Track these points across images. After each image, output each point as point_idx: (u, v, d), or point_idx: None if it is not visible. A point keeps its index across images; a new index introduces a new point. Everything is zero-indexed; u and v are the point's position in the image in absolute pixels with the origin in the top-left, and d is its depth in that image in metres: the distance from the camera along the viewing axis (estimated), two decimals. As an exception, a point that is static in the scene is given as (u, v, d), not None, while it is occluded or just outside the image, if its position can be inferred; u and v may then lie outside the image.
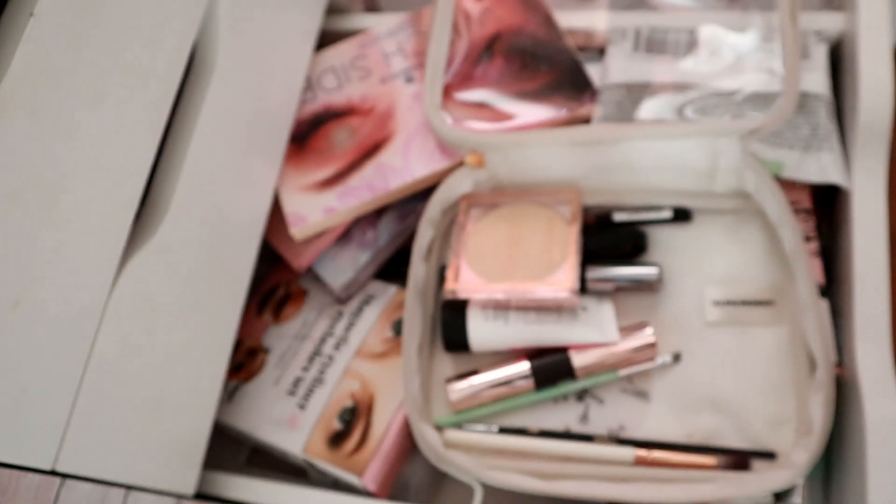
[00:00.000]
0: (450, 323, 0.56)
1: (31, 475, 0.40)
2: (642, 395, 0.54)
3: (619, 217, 0.59)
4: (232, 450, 0.66)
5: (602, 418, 0.54)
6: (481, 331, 0.56)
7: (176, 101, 0.49)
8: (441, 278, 0.58)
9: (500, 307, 0.56)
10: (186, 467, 0.50)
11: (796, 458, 0.48)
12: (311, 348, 0.63)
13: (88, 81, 0.42)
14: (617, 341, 0.54)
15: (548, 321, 0.55)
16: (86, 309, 0.42)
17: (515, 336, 0.55)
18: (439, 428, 0.55)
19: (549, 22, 0.65)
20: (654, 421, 0.53)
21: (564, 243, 0.56)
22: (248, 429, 0.60)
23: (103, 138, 0.43)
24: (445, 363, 0.58)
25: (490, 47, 0.65)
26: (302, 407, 0.59)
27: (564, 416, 0.55)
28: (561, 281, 0.54)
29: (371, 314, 0.63)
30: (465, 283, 0.56)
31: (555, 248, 0.56)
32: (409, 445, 0.58)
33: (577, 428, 0.54)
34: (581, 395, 0.55)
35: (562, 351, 0.54)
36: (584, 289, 0.56)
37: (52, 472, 0.41)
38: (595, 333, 0.54)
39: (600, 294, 0.57)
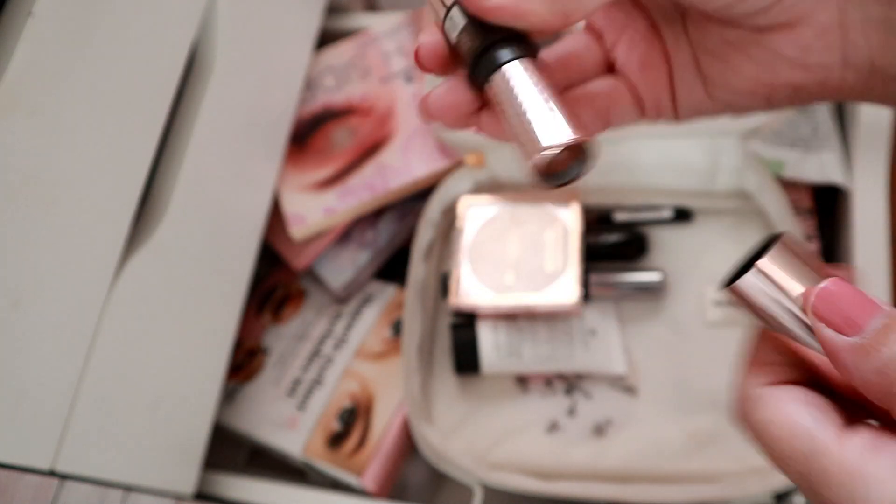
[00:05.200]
0: (461, 351, 0.56)
1: (29, 475, 0.40)
2: (630, 390, 0.55)
3: (619, 217, 0.59)
4: (232, 450, 0.65)
5: (589, 412, 0.55)
6: (494, 363, 0.56)
7: (175, 100, 0.49)
8: (444, 287, 0.57)
9: (512, 331, 0.56)
10: (186, 467, 0.50)
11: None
12: (310, 349, 0.63)
13: (87, 81, 0.42)
14: (624, 373, 0.55)
15: (560, 352, 0.55)
16: (85, 309, 0.42)
17: (528, 366, 0.55)
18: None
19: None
20: (642, 415, 0.54)
21: (566, 248, 0.56)
22: (247, 430, 0.59)
23: (102, 138, 0.43)
24: (446, 365, 0.58)
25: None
26: (301, 408, 0.59)
27: (552, 409, 0.55)
28: (564, 291, 0.54)
29: (370, 314, 0.63)
30: (469, 295, 0.56)
31: (557, 253, 0.56)
32: (408, 445, 0.58)
33: (564, 421, 0.55)
34: (569, 389, 0.56)
35: None
36: (587, 294, 0.56)
37: (51, 473, 0.41)
38: (604, 364, 0.55)
39: (604, 303, 0.57)
